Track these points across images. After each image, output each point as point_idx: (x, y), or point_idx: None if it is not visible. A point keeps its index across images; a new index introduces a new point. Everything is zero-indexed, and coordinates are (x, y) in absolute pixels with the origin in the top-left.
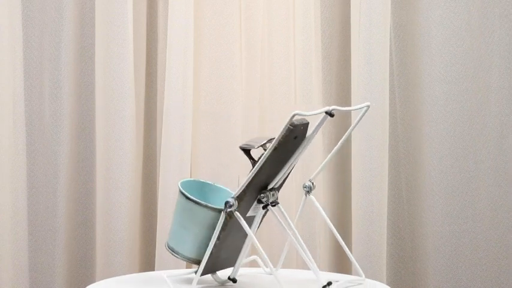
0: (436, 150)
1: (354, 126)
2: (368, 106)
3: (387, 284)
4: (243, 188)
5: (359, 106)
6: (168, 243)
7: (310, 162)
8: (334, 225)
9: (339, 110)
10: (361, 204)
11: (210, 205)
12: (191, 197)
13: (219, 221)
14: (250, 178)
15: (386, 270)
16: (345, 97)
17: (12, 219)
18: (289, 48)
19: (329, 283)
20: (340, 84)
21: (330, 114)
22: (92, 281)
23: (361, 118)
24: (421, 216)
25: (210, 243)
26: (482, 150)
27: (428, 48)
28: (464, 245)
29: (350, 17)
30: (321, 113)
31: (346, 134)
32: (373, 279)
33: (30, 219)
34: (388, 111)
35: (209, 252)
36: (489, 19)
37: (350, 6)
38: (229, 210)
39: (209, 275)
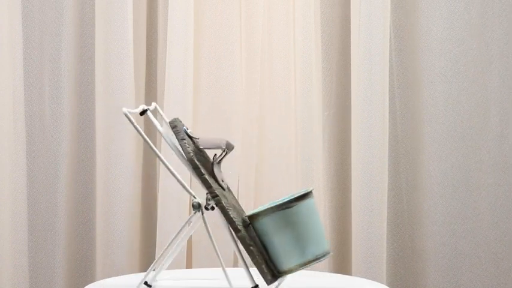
0: (436, 150)
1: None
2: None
3: (387, 284)
4: None
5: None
6: (318, 254)
7: (310, 163)
8: (334, 224)
9: (130, 112)
10: (361, 204)
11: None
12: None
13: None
14: None
15: (386, 270)
16: (345, 97)
17: (12, 219)
18: (289, 48)
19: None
20: (340, 84)
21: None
22: (91, 281)
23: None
24: (421, 216)
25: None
26: (482, 150)
27: (428, 48)
28: (465, 245)
29: (350, 17)
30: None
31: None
32: (373, 279)
33: (30, 219)
34: (388, 111)
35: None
36: (489, 19)
37: (350, 6)
38: None
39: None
